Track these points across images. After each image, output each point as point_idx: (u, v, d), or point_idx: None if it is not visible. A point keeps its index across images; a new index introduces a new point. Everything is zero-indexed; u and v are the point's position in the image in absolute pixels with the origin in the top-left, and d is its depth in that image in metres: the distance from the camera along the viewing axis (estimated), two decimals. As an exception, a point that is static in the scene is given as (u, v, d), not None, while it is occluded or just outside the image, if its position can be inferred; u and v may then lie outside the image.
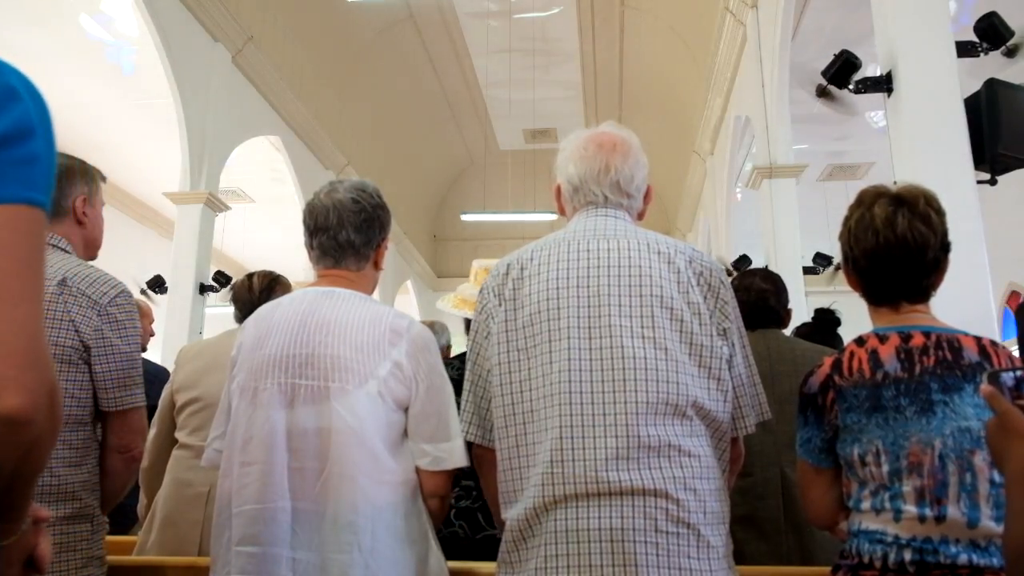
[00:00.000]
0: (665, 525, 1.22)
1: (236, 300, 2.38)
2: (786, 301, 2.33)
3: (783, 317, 2.31)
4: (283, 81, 9.73)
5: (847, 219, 1.45)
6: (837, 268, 8.21)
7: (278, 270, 2.53)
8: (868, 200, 1.42)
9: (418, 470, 1.50)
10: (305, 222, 1.63)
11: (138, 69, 8.63)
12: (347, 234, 1.59)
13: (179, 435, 2.25)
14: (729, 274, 1.88)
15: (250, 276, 2.44)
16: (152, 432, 2.30)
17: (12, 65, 0.80)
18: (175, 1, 7.62)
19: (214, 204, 8.07)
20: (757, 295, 2.22)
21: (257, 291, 2.35)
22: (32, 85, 0.80)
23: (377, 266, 1.68)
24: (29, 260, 0.76)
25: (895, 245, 1.36)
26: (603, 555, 1.21)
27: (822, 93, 4.98)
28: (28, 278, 0.75)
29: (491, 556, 1.84)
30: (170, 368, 3.74)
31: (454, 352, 3.50)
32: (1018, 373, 0.94)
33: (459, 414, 1.49)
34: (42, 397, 0.74)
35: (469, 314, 2.14)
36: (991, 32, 4.34)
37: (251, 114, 9.21)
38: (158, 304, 7.49)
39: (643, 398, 1.27)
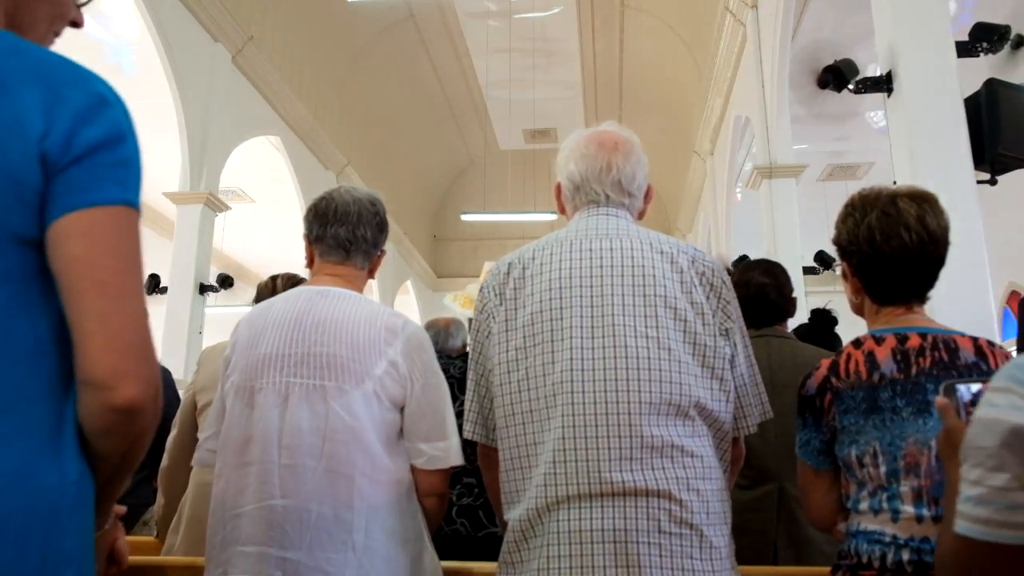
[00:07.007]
0: (668, 526, 1.22)
1: (259, 302, 2.38)
2: (789, 292, 2.27)
3: (787, 308, 2.26)
4: (283, 81, 9.72)
5: (856, 221, 1.42)
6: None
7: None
8: (884, 200, 1.40)
9: (414, 469, 1.50)
10: (320, 212, 1.63)
11: (138, 69, 8.62)
12: (364, 230, 1.63)
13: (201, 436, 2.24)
14: (729, 273, 1.86)
15: (274, 278, 2.42)
16: (173, 433, 2.29)
17: (94, 72, 0.83)
18: (175, 1, 7.62)
19: (214, 204, 8.07)
20: (756, 290, 2.20)
21: (281, 292, 2.34)
22: (115, 91, 0.82)
23: (372, 273, 1.70)
24: (134, 258, 0.79)
25: (928, 242, 1.37)
26: (606, 556, 1.20)
27: (824, 85, 5.01)
28: (135, 275, 0.79)
29: (492, 554, 1.84)
30: (171, 368, 3.78)
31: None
32: (975, 388, 0.93)
33: (466, 413, 1.49)
34: (153, 389, 0.78)
35: None
36: (987, 32, 4.35)
37: (251, 114, 9.21)
38: (157, 304, 7.48)
39: (646, 398, 1.26)
